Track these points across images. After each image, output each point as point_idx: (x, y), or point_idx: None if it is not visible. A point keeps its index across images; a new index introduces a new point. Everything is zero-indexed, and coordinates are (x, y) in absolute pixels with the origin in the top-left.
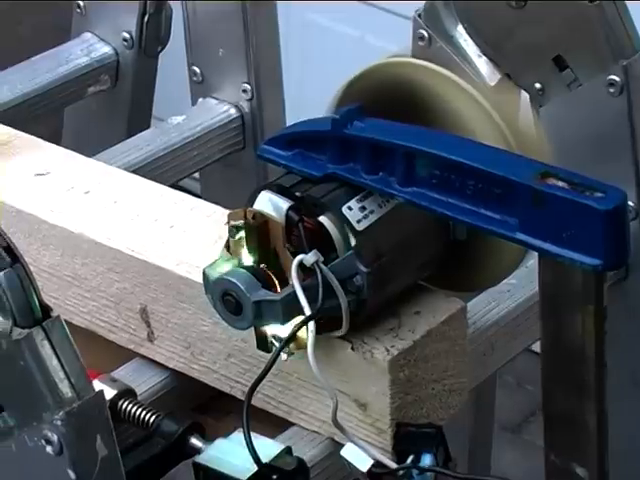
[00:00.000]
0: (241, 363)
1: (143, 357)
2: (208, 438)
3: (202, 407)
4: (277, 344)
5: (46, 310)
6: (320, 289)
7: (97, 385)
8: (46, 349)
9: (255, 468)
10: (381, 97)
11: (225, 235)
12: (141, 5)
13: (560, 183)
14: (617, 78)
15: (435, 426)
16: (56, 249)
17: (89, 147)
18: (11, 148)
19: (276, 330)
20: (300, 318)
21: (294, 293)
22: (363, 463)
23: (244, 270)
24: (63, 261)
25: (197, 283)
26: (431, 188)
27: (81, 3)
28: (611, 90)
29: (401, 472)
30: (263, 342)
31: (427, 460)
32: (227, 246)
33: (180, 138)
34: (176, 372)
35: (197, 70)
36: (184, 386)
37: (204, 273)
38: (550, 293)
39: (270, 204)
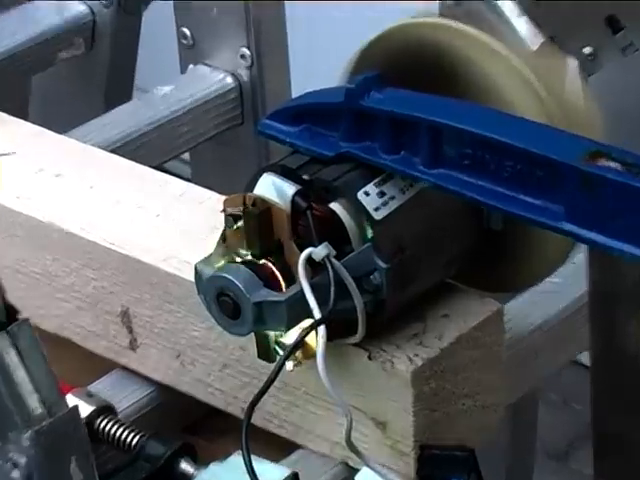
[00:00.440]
0: (239, 375)
1: (124, 368)
2: (200, 462)
3: (193, 426)
4: (281, 352)
5: (12, 313)
6: (332, 288)
7: (71, 400)
8: (12, 358)
9: None
10: (403, 63)
11: (220, 225)
12: None
13: (612, 164)
14: None
15: (466, 449)
16: (23, 242)
17: (61, 123)
18: None
19: (280, 336)
20: (308, 322)
21: (301, 293)
22: None
23: (243, 266)
24: (31, 256)
25: (187, 281)
26: (461, 170)
27: None
28: None
29: None
30: (265, 350)
31: None
32: (223, 238)
33: (167, 112)
34: (163, 386)
35: (187, 32)
36: (172, 402)
37: (196, 270)
38: (601, 293)
39: (273, 189)
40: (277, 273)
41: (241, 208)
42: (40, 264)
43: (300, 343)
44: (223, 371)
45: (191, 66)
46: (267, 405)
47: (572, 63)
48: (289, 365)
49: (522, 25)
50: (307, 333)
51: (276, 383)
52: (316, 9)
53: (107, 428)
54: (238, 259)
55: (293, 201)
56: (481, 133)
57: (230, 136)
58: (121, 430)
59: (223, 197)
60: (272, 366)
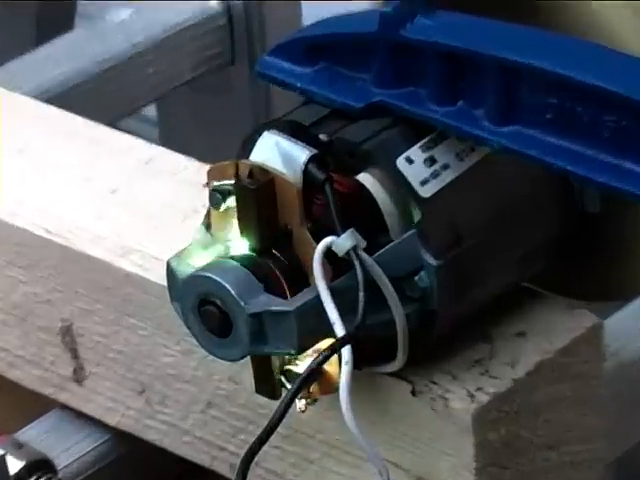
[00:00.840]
0: (229, 418)
1: (66, 408)
2: None
3: None
4: (289, 385)
5: None
6: (361, 294)
7: None
8: None
9: None
10: None
11: (203, 206)
12: None
13: None
14: None
15: None
16: None
17: None
18: None
19: (288, 362)
20: (328, 342)
21: (317, 300)
22: None
23: (235, 263)
24: None
25: (156, 285)
26: (543, 127)
27: None
28: None
29: None
30: (266, 383)
31: None
32: (207, 224)
33: (125, 46)
34: (120, 433)
35: None
36: (134, 456)
37: (168, 268)
38: None
39: (278, 154)
40: (282, 273)
41: (232, 181)
42: None
43: (316, 372)
44: (206, 412)
45: None
46: (268, 461)
47: None
48: (300, 404)
49: None
50: (326, 358)
51: (281, 429)
52: None
53: None
54: (228, 253)
55: (306, 171)
56: (572, 76)
57: (215, 81)
58: None
59: (206, 166)
60: (276, 404)
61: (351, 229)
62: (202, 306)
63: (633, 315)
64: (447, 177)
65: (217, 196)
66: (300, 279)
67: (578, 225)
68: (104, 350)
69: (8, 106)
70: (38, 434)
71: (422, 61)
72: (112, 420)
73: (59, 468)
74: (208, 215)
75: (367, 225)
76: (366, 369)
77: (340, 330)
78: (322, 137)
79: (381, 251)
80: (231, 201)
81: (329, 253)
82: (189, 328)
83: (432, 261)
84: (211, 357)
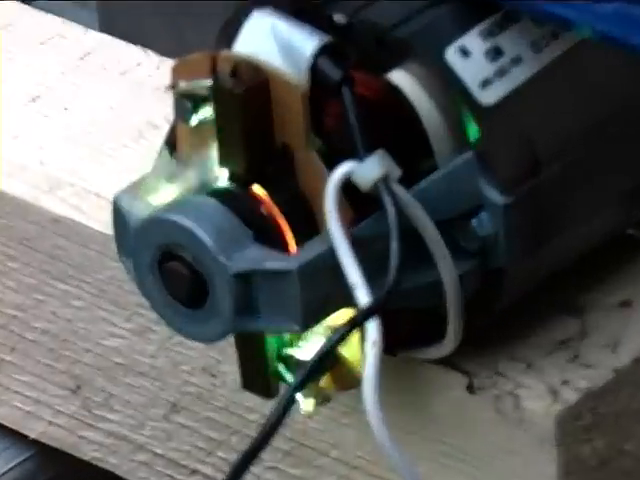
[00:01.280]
0: (202, 426)
1: None
2: None
3: None
4: (290, 378)
5: None
6: (393, 245)
7: None
8: None
9: None
10: None
11: (165, 119)
12: None
13: None
14: None
15: None
16: None
17: None
18: None
19: (290, 344)
20: (345, 315)
21: (330, 255)
22: None
23: (212, 201)
24: None
25: (97, 234)
26: None
27: None
28: None
29: None
30: (257, 374)
31: None
32: (171, 144)
33: None
34: (47, 450)
35: None
36: (63, 478)
37: (116, 208)
38: None
39: (274, 42)
40: (281, 214)
41: (208, 82)
42: None
43: (329, 359)
44: (170, 419)
45: None
46: None
47: None
48: (307, 405)
49: None
50: (343, 337)
51: (279, 443)
52: None
53: None
54: (203, 186)
55: (315, 67)
56: None
57: None
58: None
59: (170, 61)
60: (271, 406)
61: (379, 151)
62: (165, 263)
63: None
64: (519, 76)
65: (186, 104)
66: (306, 224)
67: None
68: (21, 329)
69: None
70: None
71: None
72: (34, 431)
73: None
74: (173, 132)
75: (402, 146)
76: (402, 354)
77: (364, 297)
78: (338, 19)
79: (423, 183)
80: (206, 111)
81: (348, 186)
82: (145, 295)
83: (497, 198)
84: (177, 338)
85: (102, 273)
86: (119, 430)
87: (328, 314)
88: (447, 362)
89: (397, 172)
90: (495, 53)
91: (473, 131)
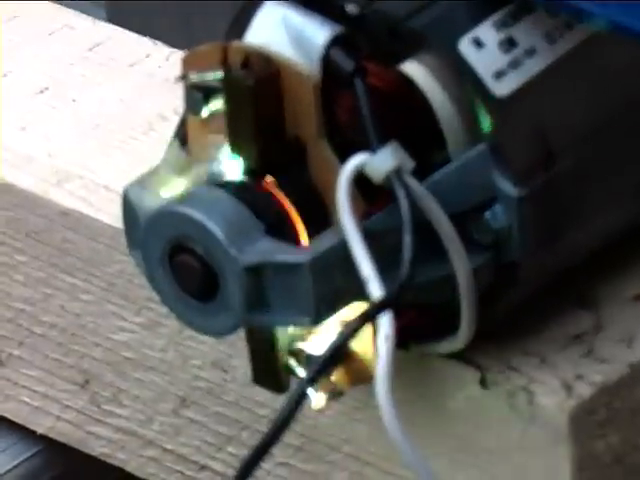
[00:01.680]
0: (212, 421)
1: None
2: None
3: None
4: (301, 372)
5: None
6: (406, 238)
7: None
8: None
9: None
10: None
11: (174, 111)
12: None
13: None
14: None
15: None
16: None
17: None
18: None
19: (301, 338)
20: (357, 308)
21: (343, 248)
22: None
23: (223, 193)
24: None
25: (107, 227)
26: None
27: None
28: None
29: None
30: (268, 369)
31: None
32: (181, 137)
33: None
34: (55, 445)
35: None
36: (73, 477)
37: (126, 201)
38: None
39: (285, 32)
40: (292, 207)
41: (219, 74)
42: None
43: (342, 353)
44: (180, 414)
45: None
46: None
47: None
48: (319, 400)
49: None
50: (355, 331)
51: (290, 438)
52: None
53: None
54: (213, 179)
55: (327, 58)
56: None
57: None
58: None
59: (180, 52)
60: (282, 401)
61: (392, 142)
62: (175, 256)
63: None
64: (533, 67)
65: (196, 96)
66: (318, 216)
67: None
68: (29, 323)
69: None
70: None
71: None
72: (42, 426)
73: None
74: (183, 124)
75: (415, 137)
76: (414, 348)
77: (377, 290)
78: (350, 9)
79: (436, 175)
80: (217, 103)
81: (361, 178)
82: (155, 289)
83: (511, 190)
84: (187, 332)
85: (111, 266)
86: (128, 425)
87: (340, 308)
88: (460, 357)
89: (410, 164)
90: (509, 44)
91: (486, 123)
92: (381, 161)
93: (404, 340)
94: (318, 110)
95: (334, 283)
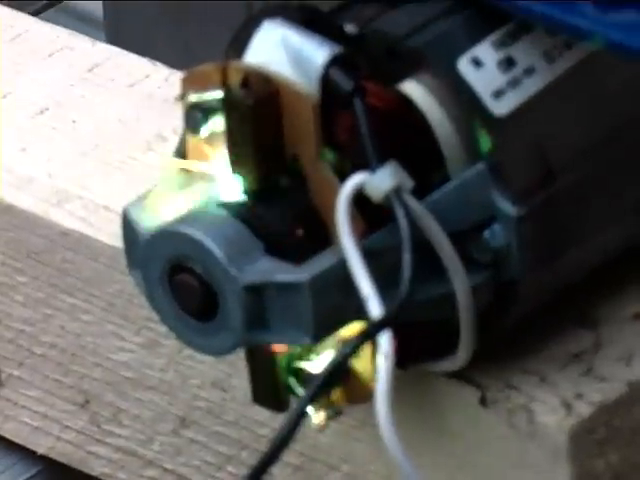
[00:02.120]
0: (212, 441)
1: None
2: None
3: None
4: (301, 391)
5: None
6: (405, 257)
7: None
8: None
9: None
10: None
11: (174, 131)
12: None
13: None
14: None
15: None
16: None
17: None
18: None
19: (300, 357)
20: (357, 327)
21: (341, 265)
22: None
23: (223, 212)
24: None
25: (106, 247)
26: None
27: None
28: None
29: None
30: (268, 388)
31: None
32: (179, 154)
33: None
34: (54, 465)
35: None
36: None
37: (126, 221)
38: None
39: (284, 52)
40: (292, 226)
41: (219, 92)
42: None
43: (341, 371)
44: (180, 433)
45: None
46: None
47: None
48: (318, 418)
49: None
50: (355, 349)
51: (290, 457)
52: None
53: None
54: (213, 199)
55: (326, 77)
56: None
57: None
58: None
59: (179, 73)
60: (282, 419)
61: (391, 162)
62: (175, 275)
63: None
64: (532, 86)
65: (196, 115)
66: (317, 235)
67: None
68: (29, 343)
69: None
70: None
71: None
72: (41, 446)
73: None
74: (182, 144)
75: (414, 157)
76: (413, 367)
77: (376, 309)
78: (349, 29)
79: (435, 194)
80: (217, 123)
81: (360, 197)
82: (155, 308)
83: (510, 209)
84: (186, 352)
85: (111, 286)
86: (128, 445)
87: (340, 327)
88: (459, 375)
89: (409, 183)
90: (508, 63)
91: (485, 142)
92: (380, 180)
93: (404, 359)
94: (317, 129)
95: (334, 302)
